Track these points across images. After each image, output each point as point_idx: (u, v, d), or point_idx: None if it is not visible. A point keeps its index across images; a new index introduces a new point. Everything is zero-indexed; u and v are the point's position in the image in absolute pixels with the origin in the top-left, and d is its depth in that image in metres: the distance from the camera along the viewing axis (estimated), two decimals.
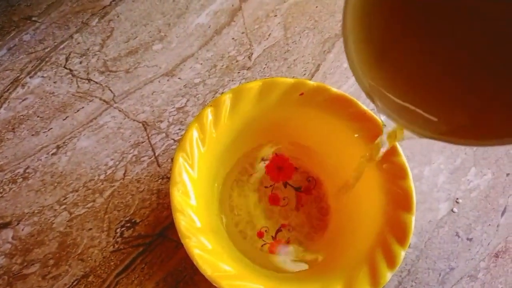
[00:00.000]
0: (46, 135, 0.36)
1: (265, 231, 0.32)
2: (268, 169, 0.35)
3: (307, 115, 0.34)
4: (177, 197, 0.27)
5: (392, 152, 0.31)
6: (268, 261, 0.31)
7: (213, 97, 0.38)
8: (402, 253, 0.27)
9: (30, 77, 0.38)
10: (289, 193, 0.34)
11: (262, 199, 0.33)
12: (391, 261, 0.27)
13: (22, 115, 0.36)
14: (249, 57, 0.41)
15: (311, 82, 0.32)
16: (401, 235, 0.28)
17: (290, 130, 0.35)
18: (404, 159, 0.30)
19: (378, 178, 0.31)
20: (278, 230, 0.32)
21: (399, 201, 0.30)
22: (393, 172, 0.30)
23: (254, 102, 0.32)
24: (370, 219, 0.31)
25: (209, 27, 0.42)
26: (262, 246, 0.31)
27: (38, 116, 0.36)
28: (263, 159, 0.35)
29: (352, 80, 0.41)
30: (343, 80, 0.41)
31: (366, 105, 0.32)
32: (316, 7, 0.45)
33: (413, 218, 0.28)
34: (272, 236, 0.32)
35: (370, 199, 0.32)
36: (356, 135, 0.32)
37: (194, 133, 0.29)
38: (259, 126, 0.34)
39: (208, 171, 0.31)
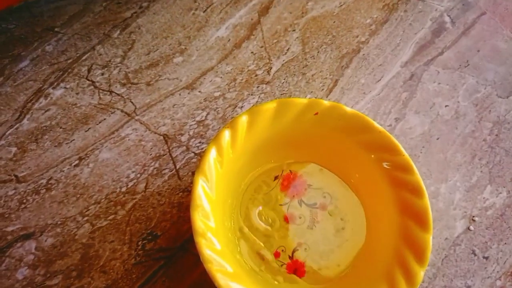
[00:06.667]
0: (69, 147, 0.36)
1: (282, 250, 0.32)
2: (283, 186, 0.35)
3: (321, 134, 0.34)
4: (198, 221, 0.27)
5: (408, 170, 0.31)
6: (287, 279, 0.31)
7: (232, 111, 0.39)
8: (421, 273, 0.28)
9: (53, 88, 0.39)
10: (304, 211, 0.34)
11: (278, 218, 0.34)
12: (410, 281, 0.28)
13: (45, 126, 0.37)
14: (268, 72, 0.41)
15: (326, 102, 0.32)
16: (419, 254, 0.28)
17: (305, 148, 0.35)
18: (419, 177, 0.31)
19: (395, 198, 0.32)
20: (295, 250, 0.32)
21: (416, 220, 0.30)
22: (409, 191, 0.31)
23: (269, 122, 0.32)
24: (388, 237, 0.32)
25: (228, 41, 0.43)
26: (281, 266, 0.31)
27: (60, 127, 0.37)
28: (277, 177, 0.35)
29: (370, 96, 0.41)
30: (360, 96, 0.41)
31: (381, 124, 0.32)
32: (334, 22, 0.45)
33: (431, 238, 0.29)
34: (289, 256, 0.32)
35: (387, 218, 0.32)
36: (372, 156, 0.33)
37: (212, 155, 0.30)
38: (274, 145, 0.34)
39: (225, 191, 0.31)
